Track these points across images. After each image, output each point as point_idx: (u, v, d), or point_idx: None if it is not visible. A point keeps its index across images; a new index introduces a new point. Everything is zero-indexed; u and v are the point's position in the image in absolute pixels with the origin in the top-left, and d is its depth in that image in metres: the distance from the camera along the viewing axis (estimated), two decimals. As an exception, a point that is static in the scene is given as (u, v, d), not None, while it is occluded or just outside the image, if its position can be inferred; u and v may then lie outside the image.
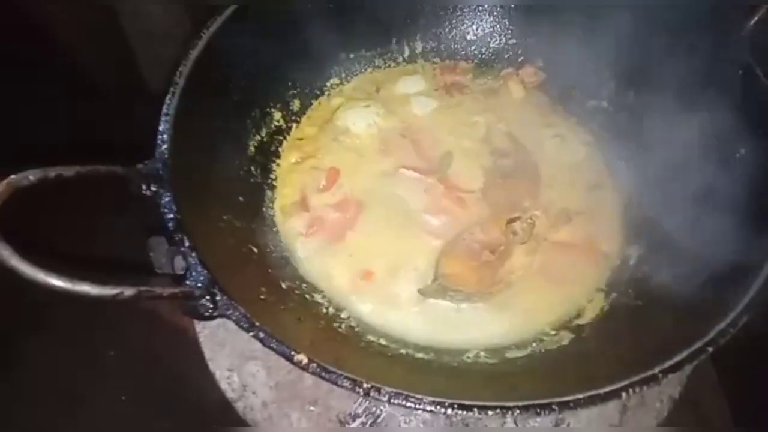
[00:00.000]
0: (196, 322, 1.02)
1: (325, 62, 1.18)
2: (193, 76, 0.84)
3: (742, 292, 0.69)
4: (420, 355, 0.86)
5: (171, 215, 0.70)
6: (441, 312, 0.92)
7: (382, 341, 0.89)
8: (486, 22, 1.22)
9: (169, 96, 0.80)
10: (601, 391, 0.62)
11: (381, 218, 1.00)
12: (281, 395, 0.95)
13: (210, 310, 0.66)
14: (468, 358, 0.87)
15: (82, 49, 1.29)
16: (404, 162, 1.06)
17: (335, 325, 0.90)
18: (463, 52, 1.25)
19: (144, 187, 0.72)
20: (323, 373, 0.63)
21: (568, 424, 0.93)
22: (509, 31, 1.22)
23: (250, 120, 1.05)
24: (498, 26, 1.22)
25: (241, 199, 0.98)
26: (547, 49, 1.19)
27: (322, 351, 0.68)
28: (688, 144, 0.90)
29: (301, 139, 1.13)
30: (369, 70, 1.24)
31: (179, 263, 0.85)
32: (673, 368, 0.64)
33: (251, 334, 0.64)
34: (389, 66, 1.25)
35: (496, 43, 1.23)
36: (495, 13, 1.21)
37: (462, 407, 0.61)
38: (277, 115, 1.11)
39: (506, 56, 1.23)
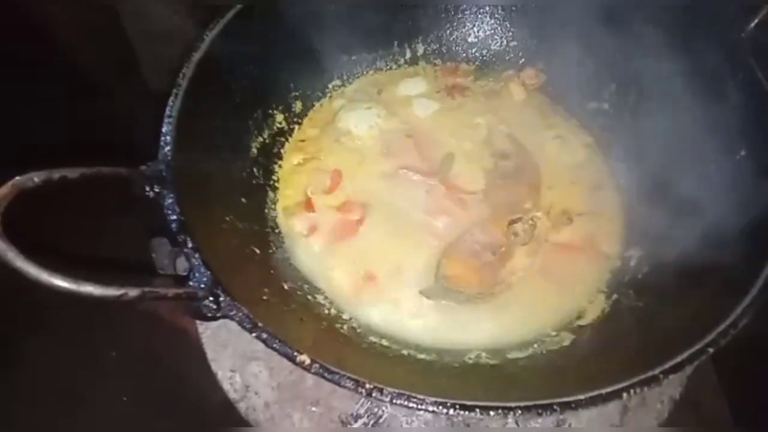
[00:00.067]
0: (198, 322, 1.02)
1: (326, 64, 1.18)
2: (195, 77, 0.84)
3: (742, 293, 0.69)
4: (422, 356, 0.87)
5: (174, 216, 0.70)
6: (442, 313, 0.92)
7: (384, 342, 0.89)
8: (487, 24, 1.23)
9: (172, 98, 0.81)
10: (603, 391, 0.62)
11: (383, 220, 1.00)
12: (283, 396, 0.96)
13: (213, 311, 0.66)
14: (469, 359, 0.87)
15: (82, 49, 1.29)
16: (406, 163, 1.06)
17: (337, 326, 0.90)
18: (465, 54, 1.25)
19: (147, 188, 0.72)
20: (326, 374, 0.63)
21: (570, 425, 0.94)
22: (510, 34, 1.22)
23: (252, 121, 1.05)
24: (499, 28, 1.23)
25: (243, 200, 0.98)
26: (547, 52, 1.19)
27: (324, 352, 0.68)
28: (689, 145, 0.90)
29: (303, 140, 1.13)
30: (371, 72, 1.24)
31: (181, 264, 0.85)
32: (674, 369, 0.64)
33: (254, 334, 0.65)
34: (391, 68, 1.25)
35: (497, 45, 1.24)
36: (496, 16, 1.21)
37: (464, 408, 0.61)
38: (279, 116, 1.11)
39: (507, 58, 1.24)
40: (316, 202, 1.03)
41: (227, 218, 0.90)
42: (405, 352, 0.87)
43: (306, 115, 1.17)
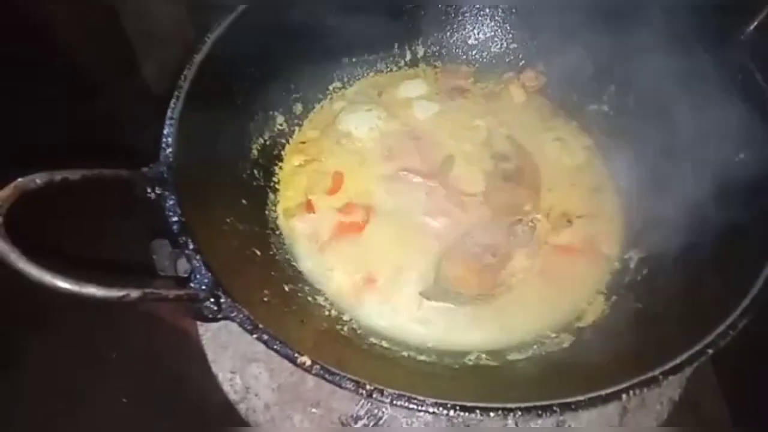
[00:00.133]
0: (199, 324, 1.03)
1: (327, 66, 1.19)
2: (197, 80, 0.85)
3: (741, 295, 0.69)
4: (422, 357, 0.87)
5: (175, 218, 0.71)
6: (442, 314, 0.92)
7: (384, 343, 0.89)
8: (487, 26, 1.23)
9: (173, 100, 0.81)
10: (602, 392, 0.62)
11: (383, 221, 1.00)
12: (284, 397, 0.96)
13: (214, 312, 0.67)
14: (469, 360, 0.87)
15: (82, 49, 1.29)
16: (406, 165, 1.07)
17: (338, 327, 0.90)
18: (465, 57, 1.26)
19: (149, 190, 0.72)
20: (326, 375, 0.63)
21: (569, 426, 0.94)
22: (510, 36, 1.23)
23: (253, 123, 1.05)
24: (499, 31, 1.23)
25: (244, 202, 0.98)
26: (547, 54, 1.19)
27: (324, 353, 0.68)
28: (688, 148, 0.90)
29: (303, 142, 1.13)
30: (371, 74, 1.24)
31: (182, 266, 0.86)
32: (674, 370, 0.64)
33: (255, 336, 0.65)
34: (391, 70, 1.26)
35: (498, 47, 1.24)
36: (496, 18, 1.22)
37: (464, 409, 0.62)
38: (280, 118, 1.11)
39: (507, 60, 1.24)
40: (316, 204, 1.03)
41: (228, 220, 0.91)
42: (405, 353, 0.87)
43: (306, 117, 1.17)
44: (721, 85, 0.88)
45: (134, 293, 0.60)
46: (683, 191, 0.89)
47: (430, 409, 0.62)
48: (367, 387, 0.63)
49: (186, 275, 0.69)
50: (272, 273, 0.93)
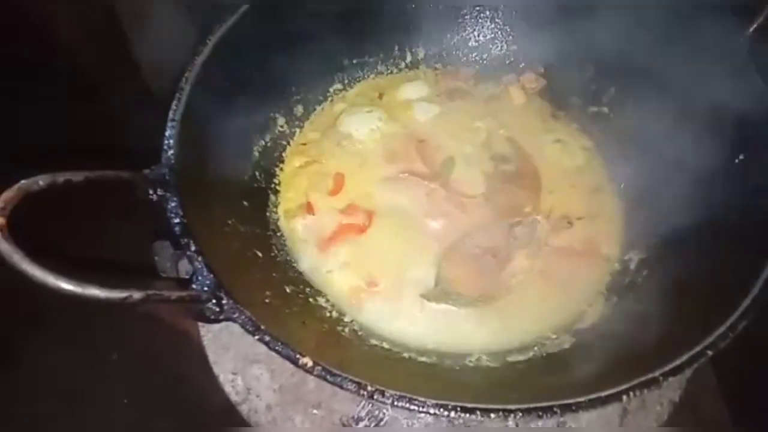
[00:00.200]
0: (200, 325, 1.03)
1: (328, 68, 1.19)
2: (198, 81, 0.85)
3: (741, 296, 0.69)
4: (422, 358, 0.87)
5: (177, 220, 0.71)
6: (443, 316, 0.93)
7: (385, 345, 0.89)
8: (487, 28, 1.23)
9: (175, 102, 0.81)
10: (602, 394, 0.63)
11: (384, 223, 1.01)
12: (285, 398, 0.96)
13: (216, 314, 0.67)
14: (470, 361, 0.88)
15: (82, 49, 1.29)
16: (406, 167, 1.07)
17: (339, 328, 0.90)
18: (465, 59, 1.26)
19: (150, 191, 0.73)
20: (328, 376, 0.64)
21: (570, 427, 0.94)
22: (510, 38, 1.23)
23: (254, 125, 1.06)
24: (499, 33, 1.23)
25: (245, 203, 0.98)
26: (547, 56, 1.19)
27: (326, 354, 0.69)
28: (688, 149, 0.91)
29: (304, 144, 1.14)
30: (371, 76, 1.25)
31: (183, 267, 0.86)
32: (674, 371, 0.64)
33: (257, 337, 0.65)
34: (392, 72, 1.26)
35: (498, 49, 1.24)
36: (497, 20, 1.22)
37: (464, 410, 0.62)
38: (281, 120, 1.12)
39: (507, 62, 1.24)
40: (317, 205, 1.03)
41: (229, 221, 0.91)
42: (406, 355, 0.88)
43: (307, 119, 1.17)
44: (721, 86, 0.88)
45: (137, 295, 0.60)
46: (683, 193, 0.89)
47: (431, 411, 0.62)
48: (369, 388, 0.63)
49: (187, 276, 0.69)
50: (273, 274, 0.93)
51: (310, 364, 0.64)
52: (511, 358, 0.88)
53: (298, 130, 1.15)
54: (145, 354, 1.18)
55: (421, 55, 1.26)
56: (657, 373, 0.64)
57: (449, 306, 0.93)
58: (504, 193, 1.05)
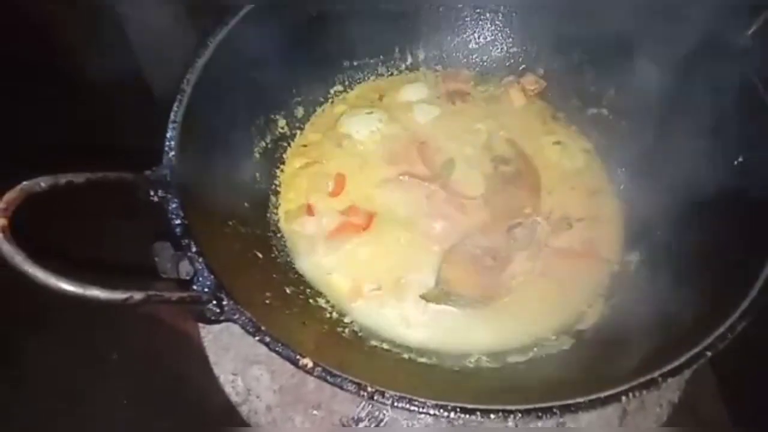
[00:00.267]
0: (200, 326, 1.03)
1: (328, 70, 1.19)
2: (199, 83, 0.85)
3: (740, 297, 0.70)
4: (422, 359, 0.87)
5: (178, 221, 0.71)
6: (443, 317, 0.93)
7: (385, 346, 0.89)
8: (488, 30, 1.23)
9: (176, 103, 0.81)
10: (602, 394, 0.63)
11: (384, 224, 1.01)
12: (285, 399, 0.96)
13: (216, 315, 0.67)
14: (470, 362, 0.88)
15: (82, 49, 1.29)
16: (407, 169, 1.07)
17: (339, 329, 0.91)
18: (465, 61, 1.26)
19: (151, 192, 0.73)
20: (328, 377, 0.64)
21: (569, 428, 0.94)
22: (510, 40, 1.23)
23: (255, 127, 1.06)
24: (499, 35, 1.23)
25: (246, 204, 0.99)
26: (547, 58, 1.20)
27: (326, 355, 0.69)
28: (687, 151, 0.91)
29: (305, 145, 1.14)
30: (372, 77, 1.25)
31: (184, 268, 0.86)
32: (673, 372, 0.64)
33: (257, 338, 0.65)
34: (392, 74, 1.26)
35: (498, 51, 1.25)
36: (497, 22, 1.22)
37: (464, 411, 0.62)
38: (282, 122, 1.12)
39: (507, 64, 1.25)
40: (318, 206, 1.03)
41: (230, 222, 0.91)
42: (406, 355, 0.88)
43: (308, 120, 1.18)
44: (720, 89, 0.88)
45: (138, 295, 0.60)
46: (682, 194, 0.89)
47: (431, 411, 0.62)
48: (369, 389, 0.63)
49: (188, 278, 0.69)
50: (274, 275, 0.93)
51: (310, 364, 0.64)
52: (511, 359, 0.88)
53: (298, 131, 1.16)
54: (145, 354, 1.18)
55: (421, 57, 1.26)
56: (656, 374, 0.64)
57: (449, 307, 0.93)
58: (504, 195, 1.05)
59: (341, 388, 0.63)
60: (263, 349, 0.65)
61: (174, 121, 0.79)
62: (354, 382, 0.63)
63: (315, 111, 1.19)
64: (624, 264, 0.98)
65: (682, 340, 0.68)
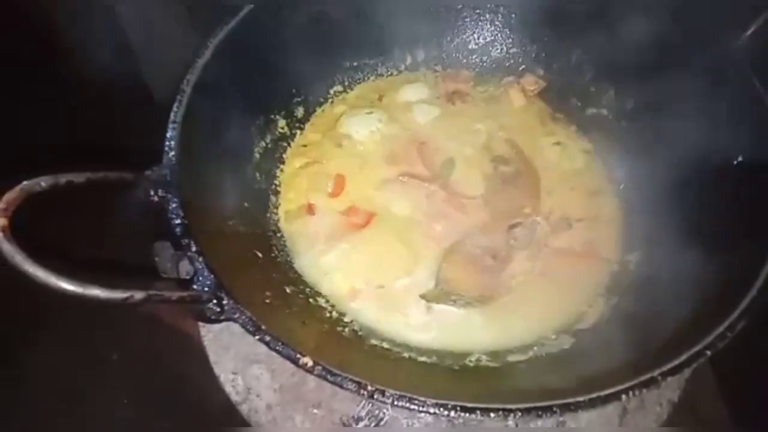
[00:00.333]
0: (200, 325, 1.03)
1: (328, 70, 1.19)
2: (199, 83, 0.85)
3: (740, 296, 0.70)
4: (422, 358, 0.87)
5: (178, 220, 0.71)
6: (443, 316, 0.93)
7: (385, 345, 0.89)
8: (487, 31, 1.24)
9: (176, 104, 0.82)
10: (602, 393, 0.63)
11: (384, 224, 1.01)
12: (285, 398, 0.96)
13: (216, 314, 0.67)
14: (470, 361, 0.88)
15: (82, 49, 1.29)
16: (407, 169, 1.07)
17: (339, 329, 0.91)
18: (465, 61, 1.26)
19: (152, 192, 0.73)
20: (328, 376, 0.64)
21: (569, 427, 0.94)
22: (510, 40, 1.23)
23: (255, 127, 1.06)
24: (499, 35, 1.24)
25: (246, 204, 0.99)
26: (547, 58, 1.20)
27: (326, 354, 0.69)
28: (687, 150, 0.91)
29: (305, 145, 1.14)
30: (372, 78, 1.25)
31: (184, 268, 0.86)
32: (673, 371, 0.65)
33: (257, 337, 0.65)
34: (392, 74, 1.26)
35: (498, 52, 1.25)
36: (496, 23, 1.22)
37: (464, 409, 0.62)
38: (282, 122, 1.12)
39: (507, 65, 1.25)
40: (318, 206, 1.03)
41: (230, 222, 0.91)
42: (406, 355, 0.88)
43: (308, 121, 1.18)
44: (719, 89, 0.88)
45: (138, 295, 0.60)
46: (681, 194, 0.90)
47: (431, 410, 0.62)
48: (369, 388, 0.63)
49: (188, 277, 0.70)
50: (274, 275, 0.93)
51: (310, 363, 0.64)
52: (511, 358, 0.89)
53: (298, 131, 1.16)
54: (145, 354, 1.18)
55: (421, 57, 1.26)
56: (656, 373, 0.64)
57: (449, 306, 0.93)
58: (504, 195, 1.05)
59: (341, 387, 0.63)
60: (263, 348, 0.65)
61: (174, 121, 0.79)
62: (354, 381, 0.63)
63: (315, 111, 1.19)
64: (624, 264, 0.99)
65: (682, 339, 0.69)
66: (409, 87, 1.22)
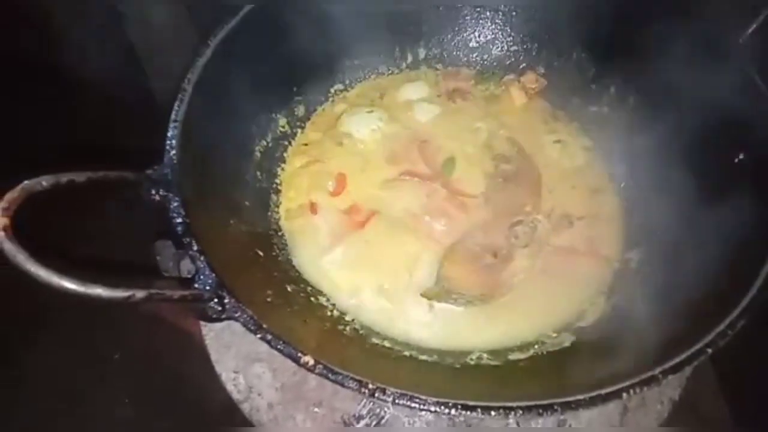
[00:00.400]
0: (202, 324, 1.03)
1: (329, 69, 1.19)
2: (200, 82, 0.85)
3: (741, 294, 0.70)
4: (423, 357, 0.87)
5: (179, 219, 0.71)
6: (444, 315, 0.93)
7: (386, 344, 0.90)
8: (488, 29, 1.24)
9: (177, 103, 0.82)
10: (603, 391, 0.63)
11: (385, 222, 1.01)
12: (286, 397, 0.96)
13: (218, 313, 0.67)
14: (471, 360, 0.88)
15: (82, 49, 1.30)
16: (407, 167, 1.07)
17: (340, 327, 0.91)
18: (466, 59, 1.26)
19: (153, 191, 0.73)
20: (329, 375, 0.64)
21: (570, 425, 0.94)
22: (511, 38, 1.23)
23: (256, 126, 1.06)
24: (500, 33, 1.24)
25: (246, 203, 0.99)
26: (548, 56, 1.20)
27: (327, 353, 0.69)
28: (688, 148, 0.91)
29: (306, 144, 1.14)
30: (372, 76, 1.25)
31: (185, 266, 0.87)
32: (673, 369, 0.65)
33: (259, 336, 0.65)
34: (392, 73, 1.26)
35: (498, 50, 1.25)
36: (497, 21, 1.22)
37: (465, 408, 0.62)
38: (282, 120, 1.12)
39: (508, 63, 1.25)
40: (319, 205, 1.03)
41: (231, 221, 0.91)
42: (407, 353, 0.88)
43: (309, 119, 1.18)
44: (720, 87, 0.88)
45: (140, 294, 0.60)
46: (682, 192, 0.90)
47: (432, 409, 0.63)
48: (370, 386, 0.63)
49: (189, 276, 0.70)
50: (275, 274, 0.93)
51: (311, 362, 0.64)
52: (512, 357, 0.89)
53: (299, 130, 1.16)
54: (146, 353, 1.18)
55: (421, 55, 1.26)
56: (657, 371, 0.64)
57: (450, 305, 0.93)
58: (505, 193, 1.05)
59: (342, 385, 0.63)
60: (264, 346, 0.65)
61: (175, 120, 0.80)
62: (355, 380, 0.64)
63: (315, 110, 1.19)
64: (624, 262, 0.99)
65: (683, 338, 0.69)
66: (409, 85, 1.22)
